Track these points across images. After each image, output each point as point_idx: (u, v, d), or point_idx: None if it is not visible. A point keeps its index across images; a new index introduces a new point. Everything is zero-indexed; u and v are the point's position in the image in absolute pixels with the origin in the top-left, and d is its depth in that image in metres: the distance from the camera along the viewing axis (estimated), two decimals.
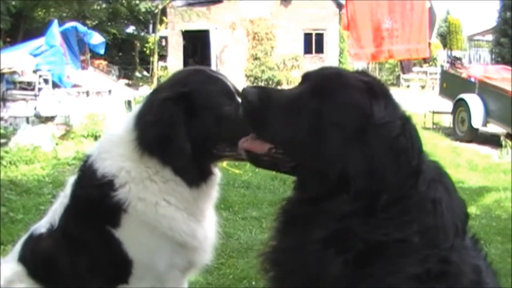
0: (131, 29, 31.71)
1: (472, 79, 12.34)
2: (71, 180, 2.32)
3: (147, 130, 2.09)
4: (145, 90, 17.67)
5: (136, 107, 2.27)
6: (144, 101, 2.23)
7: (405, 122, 1.65)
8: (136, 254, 2.15)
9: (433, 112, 13.99)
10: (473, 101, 11.79)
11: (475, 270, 1.61)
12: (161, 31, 24.40)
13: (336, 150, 1.57)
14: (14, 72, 12.28)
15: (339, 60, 23.58)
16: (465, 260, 1.59)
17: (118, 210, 2.12)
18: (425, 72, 28.47)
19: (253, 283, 3.77)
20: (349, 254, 1.55)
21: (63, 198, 2.29)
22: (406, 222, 1.56)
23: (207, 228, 2.31)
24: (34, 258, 2.27)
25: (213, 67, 23.06)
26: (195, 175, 2.18)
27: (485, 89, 11.80)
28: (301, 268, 1.64)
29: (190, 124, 2.10)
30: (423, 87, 27.34)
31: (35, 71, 13.24)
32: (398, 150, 1.56)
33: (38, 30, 18.56)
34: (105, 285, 2.19)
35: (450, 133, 12.55)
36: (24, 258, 2.30)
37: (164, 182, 2.15)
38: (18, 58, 12.82)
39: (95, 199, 2.15)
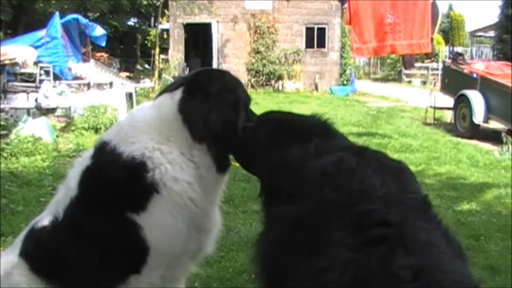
0: (132, 22, 31.67)
1: (474, 75, 12.32)
2: (74, 172, 2.28)
3: (211, 117, 2.22)
4: (146, 83, 17.66)
5: (170, 98, 2.29)
6: (185, 95, 2.28)
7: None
8: (156, 238, 2.14)
9: (434, 108, 13.98)
10: (475, 97, 11.78)
11: (424, 233, 1.45)
12: (163, 24, 24.32)
13: None
14: (15, 64, 12.25)
15: (341, 54, 23.49)
16: (408, 220, 1.47)
17: (147, 192, 2.13)
18: (427, 68, 28.41)
19: (253, 276, 3.78)
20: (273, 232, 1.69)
21: (67, 190, 2.25)
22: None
23: (217, 213, 2.44)
24: (37, 252, 2.23)
25: (215, 60, 23.01)
26: (226, 162, 2.35)
27: (486, 86, 11.79)
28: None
29: None
30: (424, 82, 27.29)
31: (36, 63, 13.22)
32: None
33: (39, 22, 18.49)
34: (116, 277, 2.17)
35: (451, 129, 12.55)
36: (26, 253, 2.25)
37: (196, 168, 2.23)
38: (19, 50, 12.79)
39: (119, 183, 2.14)
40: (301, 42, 23.27)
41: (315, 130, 2.13)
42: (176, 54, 23.34)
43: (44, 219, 2.27)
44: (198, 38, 26.41)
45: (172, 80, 15.80)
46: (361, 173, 1.61)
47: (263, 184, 2.14)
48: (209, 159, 2.25)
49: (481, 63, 14.10)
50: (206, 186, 2.27)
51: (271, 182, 2.02)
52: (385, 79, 31.25)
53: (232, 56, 23.18)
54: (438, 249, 1.42)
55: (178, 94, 2.28)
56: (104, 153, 2.21)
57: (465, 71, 12.81)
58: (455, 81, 13.12)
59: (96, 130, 10.13)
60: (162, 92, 2.42)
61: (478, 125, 11.82)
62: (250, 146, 2.24)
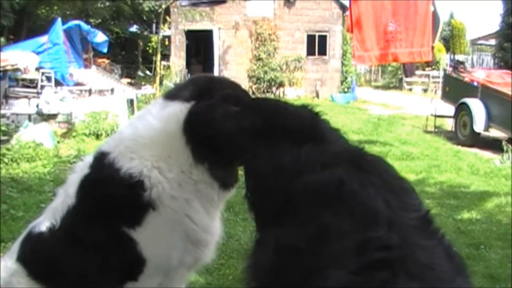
0: (134, 28, 31.70)
1: (475, 84, 12.33)
2: (73, 178, 2.25)
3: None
4: (148, 89, 17.70)
5: (179, 111, 2.17)
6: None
7: None
8: (151, 253, 2.14)
9: (435, 116, 13.98)
10: (475, 105, 11.79)
11: (425, 253, 1.40)
12: (164, 30, 24.38)
13: None
14: (17, 70, 12.27)
15: (342, 62, 23.52)
16: (409, 241, 1.41)
17: (144, 210, 2.10)
18: (428, 76, 28.42)
19: None
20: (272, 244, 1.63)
21: (65, 196, 2.23)
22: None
23: (217, 225, 2.38)
24: (35, 258, 2.22)
25: (216, 67, 23.05)
26: (230, 180, 2.29)
27: (487, 94, 11.80)
28: None
29: None
30: (425, 90, 27.29)
31: (38, 69, 13.25)
32: None
33: (41, 28, 18.54)
34: (113, 282, 2.17)
35: (452, 137, 12.55)
36: (23, 258, 2.24)
37: (194, 184, 2.19)
38: (21, 56, 12.81)
39: (116, 199, 2.12)
40: (302, 49, 23.31)
41: (306, 127, 1.90)
42: (178, 61, 23.39)
43: (42, 225, 2.25)
44: (200, 44, 26.46)
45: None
46: (363, 196, 1.53)
47: (248, 185, 2.01)
48: (210, 178, 2.21)
49: (482, 71, 14.10)
50: (207, 202, 2.24)
51: (258, 187, 1.90)
52: (386, 87, 31.23)
53: (233, 63, 23.22)
54: (440, 268, 1.38)
55: (187, 108, 2.17)
56: (102, 166, 2.17)
57: (466, 79, 12.82)
58: (456, 89, 13.13)
59: (97, 136, 10.15)
60: (171, 95, 2.29)
61: (479, 133, 11.82)
62: (230, 135, 2.02)
